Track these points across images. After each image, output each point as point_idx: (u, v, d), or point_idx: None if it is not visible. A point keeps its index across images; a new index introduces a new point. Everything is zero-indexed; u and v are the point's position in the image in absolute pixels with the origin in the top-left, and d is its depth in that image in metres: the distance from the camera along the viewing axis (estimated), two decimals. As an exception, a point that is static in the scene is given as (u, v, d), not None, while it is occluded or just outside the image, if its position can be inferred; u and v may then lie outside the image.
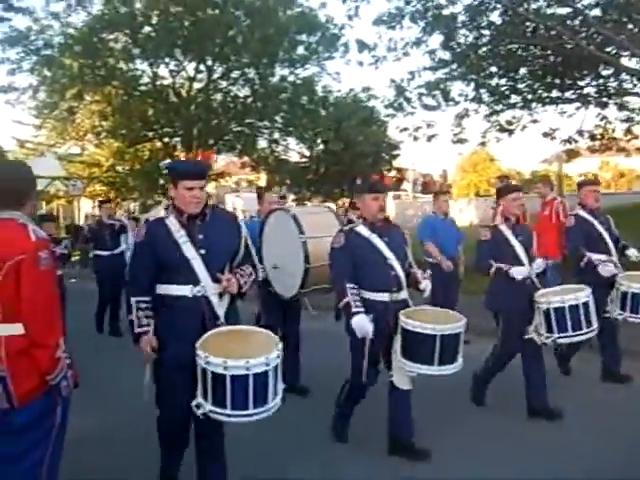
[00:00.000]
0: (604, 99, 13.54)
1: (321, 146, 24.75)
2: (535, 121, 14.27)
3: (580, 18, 12.03)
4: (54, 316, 2.90)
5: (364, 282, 4.45)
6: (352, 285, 4.40)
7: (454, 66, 13.53)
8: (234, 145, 23.89)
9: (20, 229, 2.87)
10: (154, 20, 19.97)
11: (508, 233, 5.32)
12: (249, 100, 22.55)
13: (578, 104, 13.93)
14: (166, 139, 23.22)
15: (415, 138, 14.14)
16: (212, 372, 3.25)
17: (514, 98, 14.07)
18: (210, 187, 26.66)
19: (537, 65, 13.36)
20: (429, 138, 14.24)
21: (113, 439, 4.88)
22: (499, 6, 12.44)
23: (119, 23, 19.58)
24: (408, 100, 13.56)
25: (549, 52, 12.68)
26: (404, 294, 4.53)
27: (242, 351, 3.34)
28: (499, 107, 14.27)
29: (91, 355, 6.33)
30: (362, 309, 4.31)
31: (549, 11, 12.39)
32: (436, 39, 13.14)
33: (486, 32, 12.96)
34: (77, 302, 7.97)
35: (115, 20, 19.42)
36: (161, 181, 23.47)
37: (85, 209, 26.74)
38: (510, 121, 14.31)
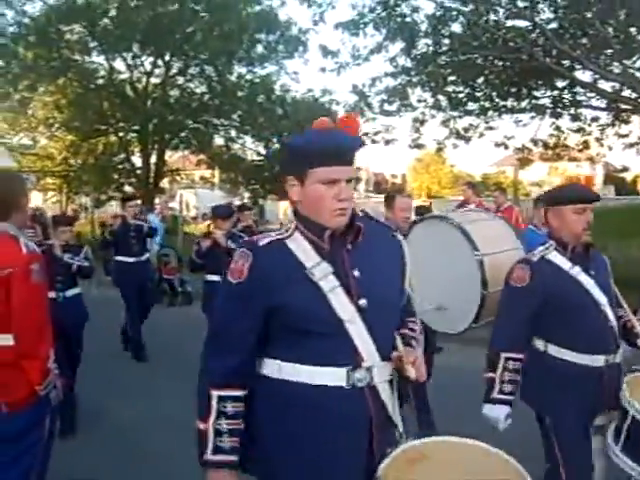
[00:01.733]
0: (558, 110, 13.93)
1: (277, 145, 24.74)
2: (491, 128, 14.60)
3: (538, 32, 12.35)
4: (44, 328, 2.94)
5: (565, 337, 3.18)
6: (512, 355, 3.19)
7: (414, 73, 13.73)
8: (190, 142, 23.71)
9: (11, 242, 2.89)
10: (112, 13, 19.68)
11: None
12: (206, 97, 22.39)
13: (533, 114, 14.30)
14: (121, 134, 22.89)
15: (374, 142, 14.34)
16: None
17: (471, 105, 14.35)
18: (165, 182, 26.49)
19: (495, 75, 13.66)
20: (387, 142, 14.46)
21: None
22: (461, 17, 12.68)
23: (76, 14, 19.21)
24: (369, 105, 13.73)
25: (507, 63, 12.98)
26: (620, 355, 3.24)
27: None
28: (456, 113, 14.53)
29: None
30: (509, 398, 3.18)
31: (508, 23, 12.70)
32: (397, 46, 13.26)
33: (446, 41, 13.18)
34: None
35: (72, 11, 19.04)
36: (115, 176, 23.21)
37: (35, 203, 26.22)
38: (467, 128, 14.60)
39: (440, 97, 14.10)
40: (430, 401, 5.16)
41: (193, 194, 32.85)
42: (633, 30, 11.44)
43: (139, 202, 10.70)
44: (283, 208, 32.84)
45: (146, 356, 8.24)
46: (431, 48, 13.43)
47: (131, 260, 8.32)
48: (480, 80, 13.88)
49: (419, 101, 14.18)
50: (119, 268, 8.51)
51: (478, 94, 14.16)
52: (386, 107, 13.91)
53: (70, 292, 6.15)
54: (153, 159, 22.99)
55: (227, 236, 7.11)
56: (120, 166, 23.61)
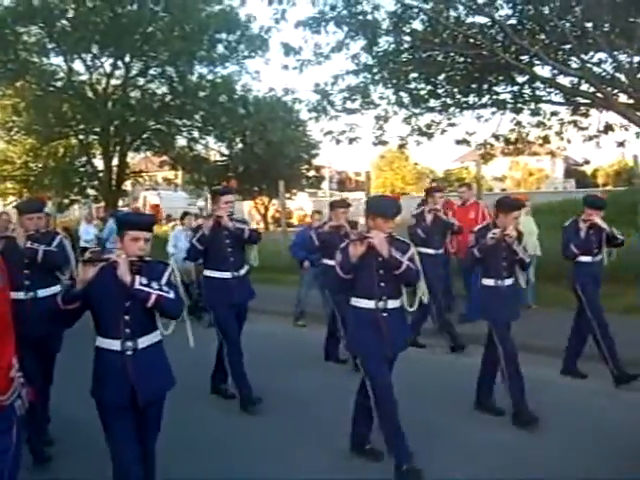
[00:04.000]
0: (519, 105, 14.09)
1: (240, 145, 24.73)
2: (453, 124, 14.70)
3: (497, 28, 12.50)
4: (5, 337, 2.87)
5: None
6: None
7: (375, 70, 13.77)
8: (152, 143, 23.56)
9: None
10: (70, 14, 19.42)
11: None
12: (168, 98, 22.27)
13: (494, 109, 14.43)
14: (82, 136, 22.65)
15: (338, 141, 14.34)
16: None
17: (433, 102, 14.42)
18: (128, 184, 26.23)
19: (456, 71, 13.77)
20: (351, 141, 14.46)
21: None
22: (422, 14, 12.76)
23: (33, 15, 18.93)
24: (332, 104, 13.74)
25: (468, 59, 13.09)
26: None
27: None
28: (418, 110, 14.60)
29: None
30: None
31: (468, 20, 12.82)
32: (358, 43, 13.31)
33: (407, 39, 13.25)
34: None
35: (29, 12, 18.75)
36: (77, 179, 22.95)
37: (-5, 208, 25.79)
38: (429, 125, 14.67)
39: (402, 94, 14.13)
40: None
41: (156, 196, 32.61)
42: (589, 25, 11.62)
43: (236, 196, 9.59)
44: (247, 208, 32.80)
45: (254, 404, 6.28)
46: (392, 45, 13.48)
47: (226, 275, 6.33)
48: (441, 77, 13.96)
49: (381, 98, 14.19)
50: (210, 285, 6.55)
51: (440, 91, 14.24)
52: (348, 105, 13.93)
53: (44, 291, 5.29)
54: (115, 161, 22.80)
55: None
56: (82, 169, 23.39)
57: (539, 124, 14.59)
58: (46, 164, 23.05)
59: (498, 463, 4.73)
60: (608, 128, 13.74)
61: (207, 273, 6.55)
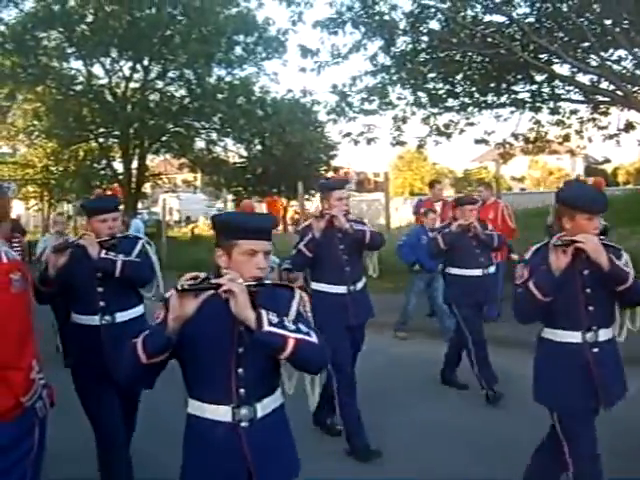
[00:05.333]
0: (538, 104, 14.01)
1: (258, 147, 24.79)
2: (472, 124, 14.65)
3: (515, 26, 12.43)
4: (26, 338, 2.89)
5: None
6: None
7: (393, 71, 13.75)
8: (171, 146, 23.68)
9: (-10, 252, 2.84)
10: (89, 18, 19.59)
11: None
12: (186, 100, 22.36)
13: (513, 108, 14.37)
14: (102, 139, 22.83)
15: (356, 142, 14.33)
16: None
17: (451, 102, 14.39)
18: (147, 187, 26.42)
19: (474, 71, 13.72)
20: (369, 141, 14.44)
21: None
22: (439, 14, 12.72)
23: (53, 21, 19.13)
24: (350, 105, 13.73)
25: (486, 58, 13.04)
26: None
27: None
28: (436, 110, 14.56)
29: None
30: None
31: (486, 19, 12.77)
32: (376, 44, 13.31)
33: (425, 39, 13.23)
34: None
35: (49, 17, 18.95)
36: (97, 182, 23.12)
37: (17, 211, 26.09)
38: (448, 124, 14.64)
39: (420, 94, 14.13)
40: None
41: (176, 198, 32.78)
42: (608, 23, 11.52)
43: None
44: (265, 209, 32.83)
45: None
46: (410, 46, 13.48)
47: (342, 290, 5.23)
48: (459, 76, 13.93)
49: (399, 99, 14.20)
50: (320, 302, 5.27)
51: (458, 90, 14.21)
52: (366, 106, 13.92)
53: (123, 315, 4.17)
54: (134, 164, 22.95)
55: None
56: (102, 172, 23.56)
57: (558, 123, 14.53)
58: (66, 167, 23.30)
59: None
60: (629, 126, 13.64)
61: (316, 286, 5.27)
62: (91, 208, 4.32)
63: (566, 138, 14.88)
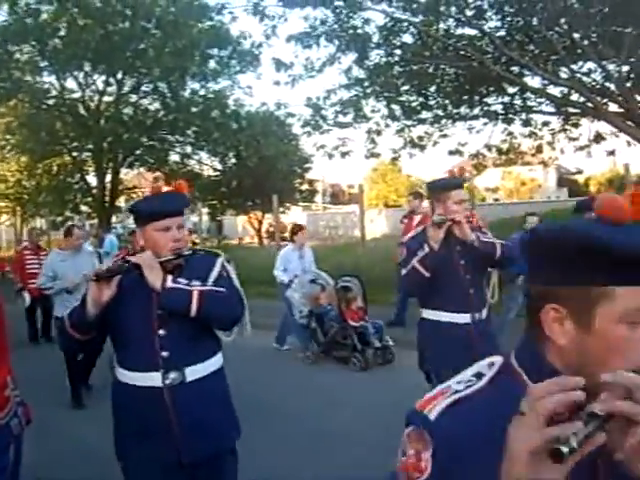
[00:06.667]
0: (510, 115, 14.20)
1: (233, 160, 24.81)
2: (445, 136, 14.80)
3: (487, 39, 12.61)
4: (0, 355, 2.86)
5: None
6: None
7: (367, 84, 13.86)
8: (145, 159, 23.60)
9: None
10: (62, 32, 19.49)
11: None
12: (160, 114, 22.32)
13: (485, 120, 14.54)
14: (75, 153, 22.68)
15: (330, 156, 14.39)
16: None
17: (425, 114, 14.52)
18: (122, 200, 26.27)
19: (447, 83, 13.88)
20: (343, 155, 14.52)
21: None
22: (411, 27, 12.86)
23: (25, 34, 18.99)
24: (324, 118, 13.81)
25: (459, 71, 13.20)
26: None
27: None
28: (410, 122, 14.68)
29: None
30: None
31: (458, 32, 12.94)
32: (350, 57, 13.42)
33: (398, 52, 13.35)
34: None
35: (21, 31, 18.80)
36: (71, 196, 22.95)
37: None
38: (421, 137, 14.77)
39: (394, 106, 14.24)
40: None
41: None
42: (577, 36, 11.72)
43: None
44: (241, 222, 32.79)
45: None
46: (384, 59, 13.60)
47: (465, 320, 4.09)
48: (433, 89, 14.07)
49: (373, 111, 14.29)
50: (436, 335, 4.29)
51: (431, 102, 14.35)
52: (341, 119, 14.01)
53: (196, 369, 2.75)
54: (108, 178, 22.83)
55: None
56: (75, 186, 23.39)
57: (531, 134, 14.72)
58: (40, 182, 23.11)
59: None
60: (599, 137, 13.86)
61: (428, 315, 4.11)
62: (146, 211, 2.85)
63: (538, 149, 15.09)
